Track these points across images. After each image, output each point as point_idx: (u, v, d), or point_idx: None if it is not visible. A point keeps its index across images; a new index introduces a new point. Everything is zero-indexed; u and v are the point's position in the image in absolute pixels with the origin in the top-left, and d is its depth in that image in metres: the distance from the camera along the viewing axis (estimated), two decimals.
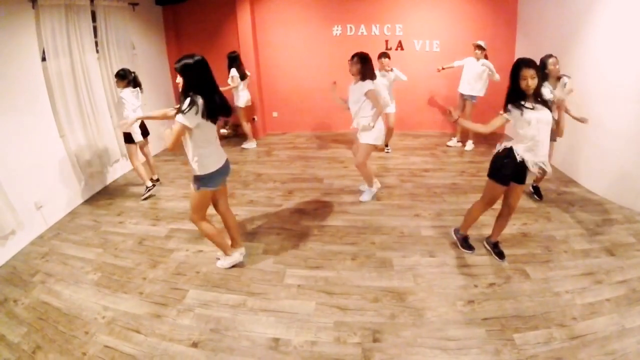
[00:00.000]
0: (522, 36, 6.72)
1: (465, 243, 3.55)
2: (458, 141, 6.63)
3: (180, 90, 2.83)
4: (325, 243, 3.78)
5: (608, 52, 4.43)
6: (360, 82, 4.18)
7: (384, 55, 5.77)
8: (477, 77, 5.98)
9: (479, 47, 5.85)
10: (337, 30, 7.23)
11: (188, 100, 2.71)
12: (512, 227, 3.85)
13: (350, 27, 7.18)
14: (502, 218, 3.31)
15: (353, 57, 4.17)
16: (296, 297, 3.04)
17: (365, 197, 4.65)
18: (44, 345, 2.62)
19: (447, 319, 2.73)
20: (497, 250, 3.41)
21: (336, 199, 4.71)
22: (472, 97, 6.08)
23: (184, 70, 2.75)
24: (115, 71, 5.50)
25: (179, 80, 2.79)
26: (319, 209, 4.48)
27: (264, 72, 7.62)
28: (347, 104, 4.42)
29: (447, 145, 6.65)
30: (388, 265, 3.38)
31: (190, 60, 2.76)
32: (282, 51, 7.49)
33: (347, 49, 7.18)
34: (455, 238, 3.64)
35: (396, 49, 7.14)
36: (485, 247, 3.53)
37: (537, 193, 4.51)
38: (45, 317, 2.89)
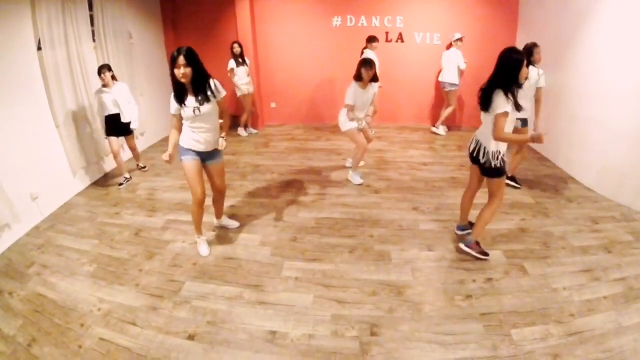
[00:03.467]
0: (522, 31, 6.67)
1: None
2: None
3: (186, 80, 2.92)
4: (322, 235, 3.76)
5: (609, 50, 4.40)
6: (371, 84, 4.46)
7: (375, 40, 6.38)
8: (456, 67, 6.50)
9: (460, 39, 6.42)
10: (337, 21, 7.17)
11: (216, 82, 3.11)
12: (510, 222, 3.85)
13: (351, 18, 7.12)
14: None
15: (370, 63, 4.31)
16: (293, 289, 3.03)
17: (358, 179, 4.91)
18: (40, 337, 2.60)
19: (445, 313, 2.73)
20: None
21: (334, 191, 4.69)
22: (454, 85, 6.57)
23: (194, 58, 2.92)
24: (110, 61, 5.45)
25: (184, 70, 2.86)
26: (317, 201, 4.46)
27: (262, 63, 7.56)
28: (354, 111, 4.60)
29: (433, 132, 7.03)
30: (386, 259, 3.37)
31: (192, 49, 2.93)
32: (281, 41, 7.43)
33: (347, 40, 7.20)
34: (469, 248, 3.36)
35: (396, 41, 7.11)
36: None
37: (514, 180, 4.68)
38: (40, 310, 2.87)
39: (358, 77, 4.37)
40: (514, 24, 6.80)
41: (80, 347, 2.52)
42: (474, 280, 3.04)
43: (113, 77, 4.72)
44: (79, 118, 4.85)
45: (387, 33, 7.09)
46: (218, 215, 3.90)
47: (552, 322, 2.60)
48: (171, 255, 3.52)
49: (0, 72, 3.80)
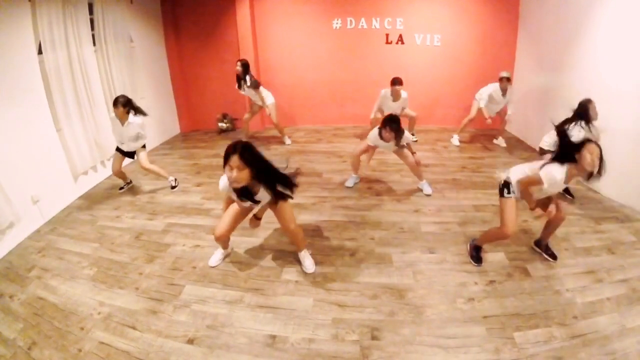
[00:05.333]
0: (523, 32, 6.66)
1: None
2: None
3: (239, 185, 2.58)
4: (323, 238, 3.75)
5: (610, 50, 4.39)
6: (393, 143, 4.32)
7: (398, 82, 5.97)
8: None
9: (508, 79, 5.83)
10: (337, 23, 7.16)
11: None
12: None
13: (351, 20, 7.11)
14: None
15: (390, 125, 4.12)
16: (294, 293, 3.01)
17: (429, 189, 4.65)
18: (40, 341, 2.59)
19: (447, 316, 2.71)
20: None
21: (335, 194, 4.68)
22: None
23: (252, 157, 2.53)
24: (112, 65, 5.47)
25: (237, 175, 2.48)
26: (318, 204, 4.44)
27: (262, 66, 7.56)
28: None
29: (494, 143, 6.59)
30: (387, 262, 3.34)
31: (246, 143, 2.54)
32: (281, 44, 7.43)
33: (347, 42, 7.21)
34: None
35: (397, 43, 7.10)
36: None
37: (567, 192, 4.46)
38: (41, 313, 2.86)
39: (380, 133, 4.27)
40: (515, 24, 6.78)
41: (80, 350, 2.50)
42: (476, 283, 3.02)
43: (128, 112, 4.43)
44: (80, 122, 4.85)
45: (387, 35, 7.08)
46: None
47: (555, 324, 2.57)
48: (172, 258, 3.50)
49: (1, 75, 3.81)
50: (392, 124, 4.12)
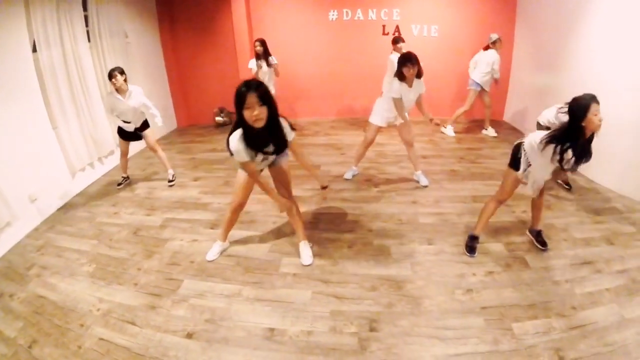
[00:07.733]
0: (520, 23, 6.62)
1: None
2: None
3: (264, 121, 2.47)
4: (321, 231, 3.74)
5: (608, 41, 4.36)
6: (417, 81, 4.17)
7: (401, 40, 6.00)
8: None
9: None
10: (333, 15, 7.12)
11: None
12: (511, 215, 3.82)
13: (347, 12, 7.07)
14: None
15: (415, 59, 3.97)
16: (292, 286, 3.01)
17: (425, 180, 4.63)
18: (40, 339, 2.60)
19: (446, 307, 2.70)
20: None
21: (333, 186, 4.67)
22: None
23: (268, 95, 2.45)
24: (107, 61, 5.43)
25: (259, 111, 2.39)
26: (316, 196, 4.44)
27: None
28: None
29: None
30: (385, 253, 3.34)
31: (259, 81, 2.48)
32: (277, 37, 7.36)
33: (343, 34, 7.17)
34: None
35: (394, 34, 7.04)
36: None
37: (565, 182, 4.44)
38: (41, 311, 2.86)
39: (400, 76, 4.07)
40: (512, 15, 6.73)
41: (80, 347, 2.51)
42: (474, 274, 3.02)
43: (126, 80, 4.40)
44: (76, 119, 4.84)
45: (384, 26, 7.04)
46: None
47: (554, 315, 2.57)
48: (169, 253, 3.50)
49: None
50: (411, 58, 3.95)
